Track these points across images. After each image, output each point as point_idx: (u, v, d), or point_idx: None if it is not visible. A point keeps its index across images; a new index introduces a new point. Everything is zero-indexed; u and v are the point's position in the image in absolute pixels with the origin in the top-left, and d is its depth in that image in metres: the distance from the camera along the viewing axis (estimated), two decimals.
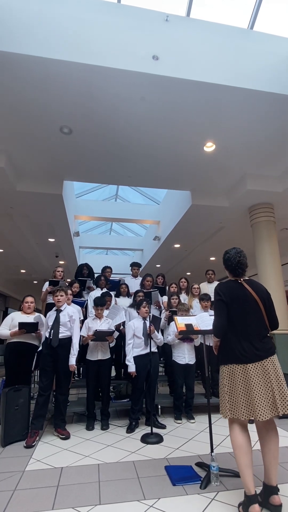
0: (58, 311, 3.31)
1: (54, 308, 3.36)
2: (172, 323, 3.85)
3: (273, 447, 1.83)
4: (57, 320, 3.23)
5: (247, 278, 2.10)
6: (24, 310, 3.62)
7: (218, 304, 2.01)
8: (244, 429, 1.86)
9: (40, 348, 3.38)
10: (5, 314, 13.44)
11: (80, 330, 3.51)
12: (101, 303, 3.59)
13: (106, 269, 5.05)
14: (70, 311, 3.40)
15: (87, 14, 3.39)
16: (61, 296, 3.34)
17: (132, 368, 3.38)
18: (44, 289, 4.34)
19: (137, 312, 3.67)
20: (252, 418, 1.78)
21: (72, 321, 3.35)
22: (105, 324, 3.59)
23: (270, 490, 1.78)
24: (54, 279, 4.36)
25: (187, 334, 3.57)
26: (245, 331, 1.92)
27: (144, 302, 3.60)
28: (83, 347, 3.66)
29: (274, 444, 1.83)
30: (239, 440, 1.81)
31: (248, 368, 1.85)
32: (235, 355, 1.89)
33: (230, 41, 3.73)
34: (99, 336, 3.41)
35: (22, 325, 3.34)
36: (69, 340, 3.29)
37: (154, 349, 3.51)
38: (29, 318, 3.54)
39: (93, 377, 3.47)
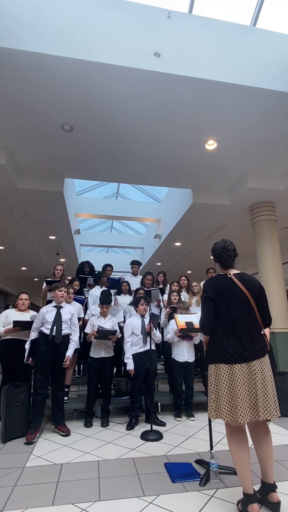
0: (58, 307, 3.30)
1: (53, 304, 3.33)
2: (171, 321, 3.86)
3: (265, 448, 1.80)
4: (59, 317, 3.22)
5: (238, 272, 2.01)
6: (18, 307, 3.63)
7: (204, 302, 1.95)
8: (241, 433, 1.81)
9: (29, 341, 3.25)
10: None
11: (80, 327, 3.52)
12: (107, 301, 3.58)
13: (107, 267, 5.06)
14: (71, 309, 3.41)
15: (88, 10, 3.37)
16: (65, 292, 3.34)
17: (130, 365, 3.38)
18: (43, 287, 4.36)
19: (135, 309, 3.67)
20: (234, 420, 1.73)
21: (74, 318, 3.37)
22: (109, 323, 3.60)
23: (268, 487, 1.79)
24: (51, 279, 4.38)
25: (187, 332, 3.58)
26: (234, 329, 1.84)
27: (142, 300, 3.60)
28: (87, 345, 3.66)
29: (267, 445, 1.81)
30: (235, 445, 1.78)
31: (234, 368, 1.78)
32: (222, 354, 1.82)
33: (232, 38, 3.70)
34: (102, 334, 3.41)
35: (16, 323, 3.34)
36: (68, 337, 3.30)
37: (152, 347, 3.51)
38: (24, 315, 3.54)
39: (95, 375, 3.48)
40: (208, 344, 1.96)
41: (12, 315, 3.53)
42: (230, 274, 1.97)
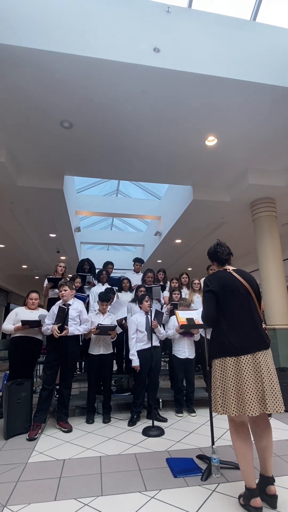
0: (66, 305, 3.31)
1: (61, 302, 3.34)
2: (172, 318, 3.87)
3: (266, 441, 1.81)
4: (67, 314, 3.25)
5: (235, 268, 2.04)
6: (28, 306, 3.65)
7: (206, 295, 1.96)
8: (244, 427, 1.82)
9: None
10: (7, 309, 13.51)
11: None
12: (106, 298, 3.62)
13: (108, 265, 5.06)
14: (79, 306, 3.44)
15: (86, 5, 3.34)
16: (65, 290, 3.34)
17: (136, 362, 3.40)
18: (45, 285, 4.36)
19: (139, 306, 3.69)
20: (243, 413, 1.74)
21: (82, 315, 3.40)
22: (108, 319, 3.62)
23: (266, 480, 1.80)
24: (53, 277, 4.37)
25: (188, 328, 3.59)
26: (238, 320, 1.86)
27: (147, 297, 3.62)
28: (87, 342, 3.69)
29: (267, 438, 1.82)
30: (239, 440, 1.79)
31: (240, 360, 1.79)
32: (227, 347, 1.83)
33: (232, 33, 3.67)
34: (102, 330, 3.44)
35: (25, 323, 3.37)
36: (77, 336, 3.33)
37: (156, 343, 3.53)
38: (33, 314, 3.56)
39: (95, 371, 3.51)
40: (211, 340, 1.97)
41: (22, 313, 3.56)
42: (229, 269, 2.02)
